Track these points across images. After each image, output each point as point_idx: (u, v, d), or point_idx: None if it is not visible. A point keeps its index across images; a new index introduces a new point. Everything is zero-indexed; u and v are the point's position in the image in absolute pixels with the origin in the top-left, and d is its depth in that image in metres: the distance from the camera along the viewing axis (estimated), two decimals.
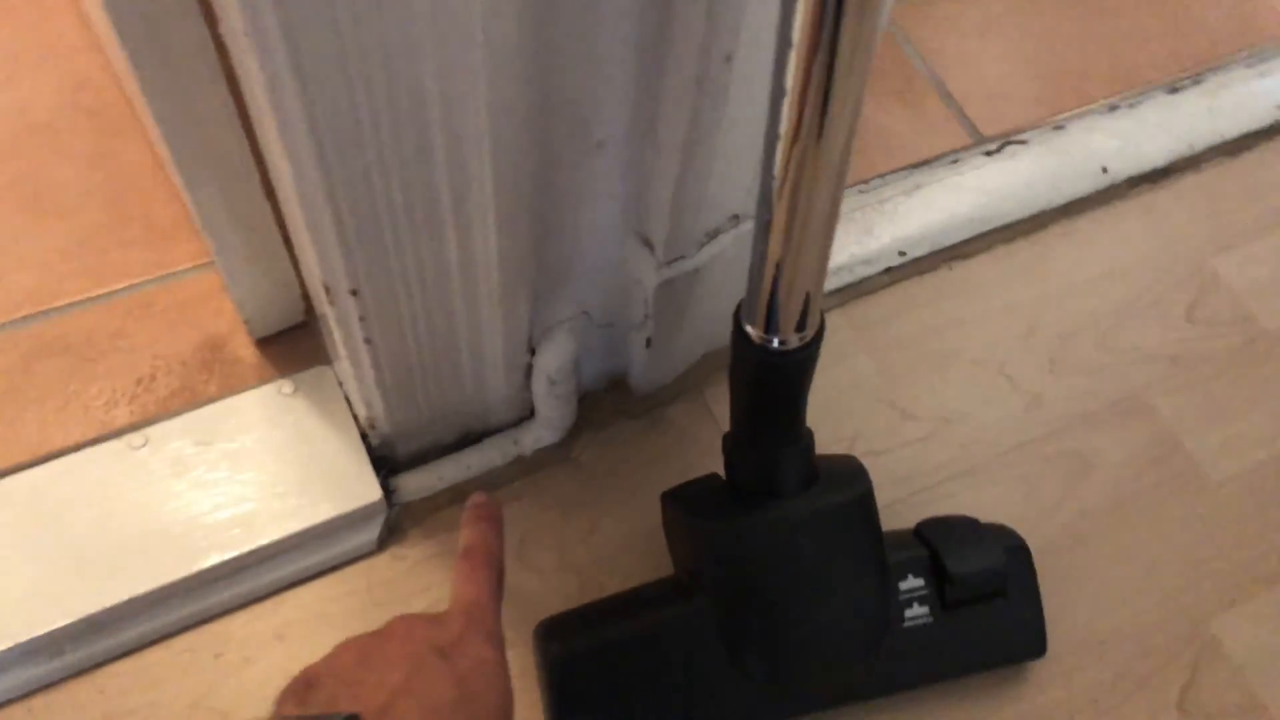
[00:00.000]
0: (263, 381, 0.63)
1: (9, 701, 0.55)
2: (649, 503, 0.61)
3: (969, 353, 0.71)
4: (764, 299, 0.45)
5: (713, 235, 0.56)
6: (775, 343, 0.47)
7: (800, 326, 0.46)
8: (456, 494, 0.63)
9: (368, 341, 0.51)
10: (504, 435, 0.64)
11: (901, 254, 0.74)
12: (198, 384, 0.64)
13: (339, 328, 0.51)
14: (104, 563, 0.56)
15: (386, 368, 0.54)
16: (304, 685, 0.40)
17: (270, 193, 0.56)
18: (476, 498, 0.52)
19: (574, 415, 0.64)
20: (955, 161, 0.79)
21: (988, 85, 0.84)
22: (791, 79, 0.36)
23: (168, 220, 0.70)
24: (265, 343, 0.65)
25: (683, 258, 0.56)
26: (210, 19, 0.45)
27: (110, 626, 0.56)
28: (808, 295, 0.45)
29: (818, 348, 0.48)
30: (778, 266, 0.43)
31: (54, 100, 0.75)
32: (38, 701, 0.55)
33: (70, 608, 0.55)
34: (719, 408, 0.67)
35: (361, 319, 0.49)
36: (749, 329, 0.47)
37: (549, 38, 0.41)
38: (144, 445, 0.60)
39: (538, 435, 0.64)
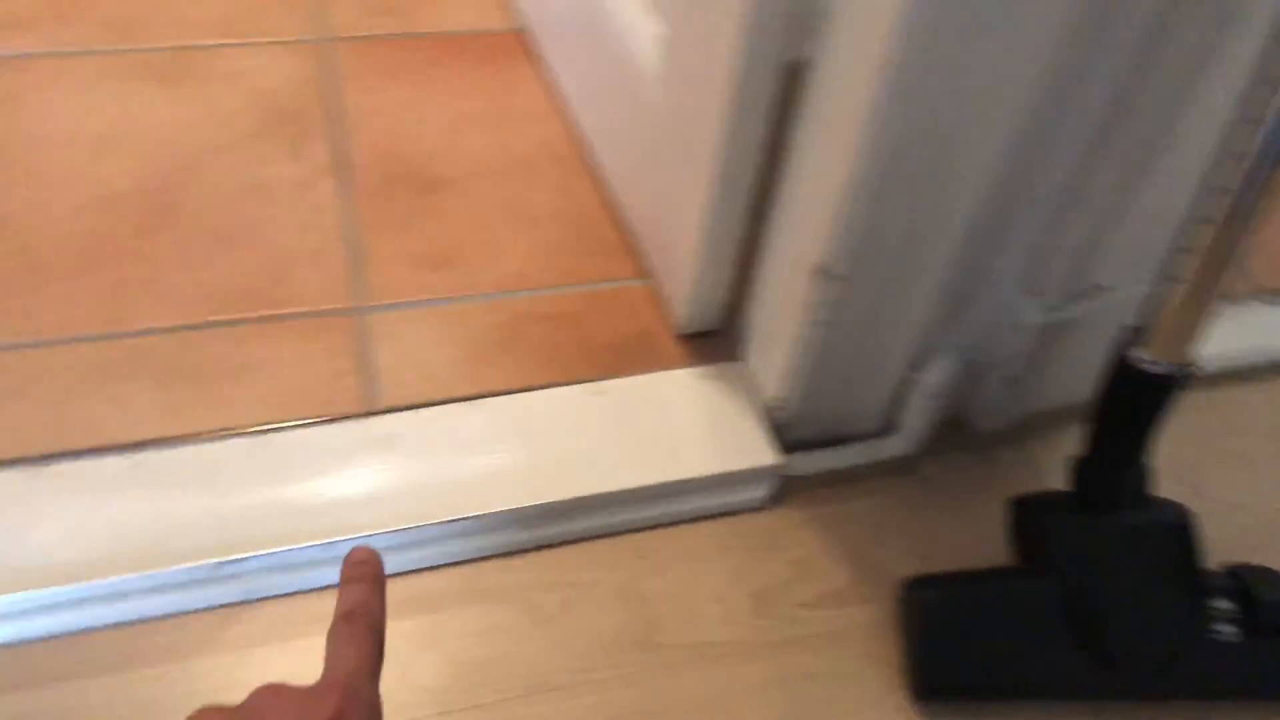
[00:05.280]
0: (687, 365, 0.80)
1: (494, 556, 0.71)
2: (978, 522, 0.74)
3: None
4: (1169, 321, 0.59)
5: (1091, 294, 0.71)
6: (1161, 368, 0.61)
7: (1185, 355, 0.60)
8: (829, 478, 0.77)
9: (825, 324, 0.67)
10: (866, 443, 0.79)
11: None
12: (636, 361, 0.81)
13: (804, 310, 0.67)
14: (572, 466, 0.73)
15: (817, 354, 0.70)
16: None
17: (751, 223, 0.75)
18: (357, 554, 0.48)
19: (929, 434, 0.78)
20: None
21: None
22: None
23: (612, 243, 0.90)
24: (685, 339, 0.83)
25: (1059, 309, 0.71)
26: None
27: (568, 515, 0.72)
28: (1198, 327, 0.59)
29: (1191, 377, 0.62)
30: (1194, 292, 0.57)
31: (528, 147, 0.98)
32: (515, 561, 0.71)
33: (550, 491, 0.71)
34: (1045, 457, 0.80)
35: (829, 302, 0.66)
36: (1138, 353, 0.61)
37: (1021, 125, 0.58)
38: (602, 395, 0.77)
39: (896, 445, 0.78)
